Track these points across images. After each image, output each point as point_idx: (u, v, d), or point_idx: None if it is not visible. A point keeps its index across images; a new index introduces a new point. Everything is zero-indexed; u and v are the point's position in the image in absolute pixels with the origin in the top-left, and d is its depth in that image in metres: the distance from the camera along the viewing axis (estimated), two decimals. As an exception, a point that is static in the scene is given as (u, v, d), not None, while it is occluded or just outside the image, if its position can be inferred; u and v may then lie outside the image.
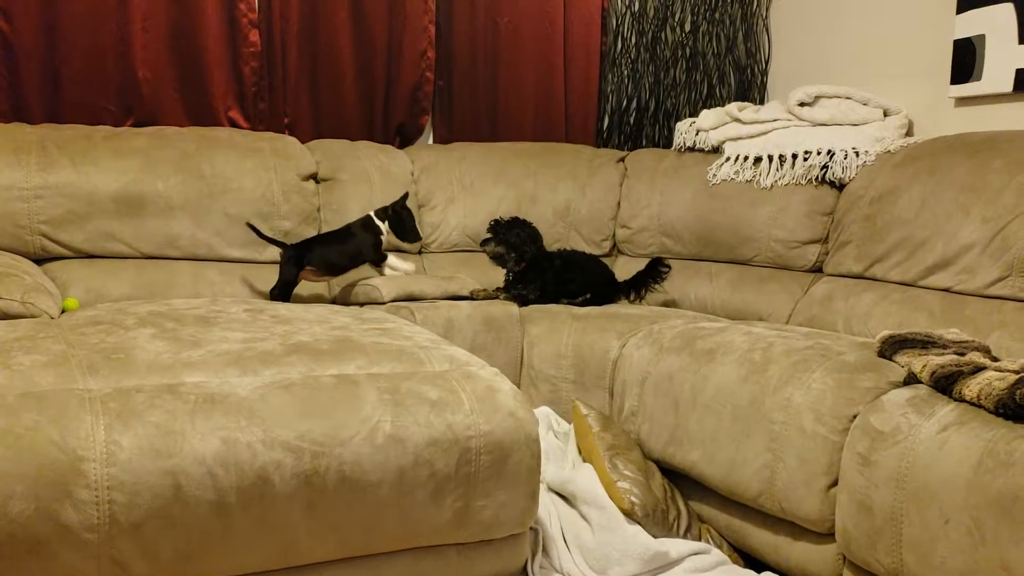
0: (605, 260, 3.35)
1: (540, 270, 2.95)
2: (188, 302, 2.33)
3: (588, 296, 2.96)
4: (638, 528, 2.02)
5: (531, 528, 1.98)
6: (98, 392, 1.54)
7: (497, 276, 3.02)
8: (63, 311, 2.38)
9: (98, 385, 1.57)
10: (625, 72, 3.73)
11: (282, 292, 2.71)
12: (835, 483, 1.84)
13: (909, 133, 3.01)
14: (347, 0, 3.32)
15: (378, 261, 2.84)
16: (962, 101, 2.88)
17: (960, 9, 2.83)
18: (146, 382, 1.60)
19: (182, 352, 1.73)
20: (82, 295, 2.62)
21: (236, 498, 1.51)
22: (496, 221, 3.00)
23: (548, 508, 2.10)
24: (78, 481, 1.41)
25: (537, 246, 2.97)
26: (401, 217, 2.86)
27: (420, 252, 3.23)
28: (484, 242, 2.99)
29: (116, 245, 2.78)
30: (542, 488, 2.11)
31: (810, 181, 2.92)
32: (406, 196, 2.90)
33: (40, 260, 2.71)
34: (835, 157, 2.87)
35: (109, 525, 1.43)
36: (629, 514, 2.04)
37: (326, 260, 2.74)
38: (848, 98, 3.06)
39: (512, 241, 2.94)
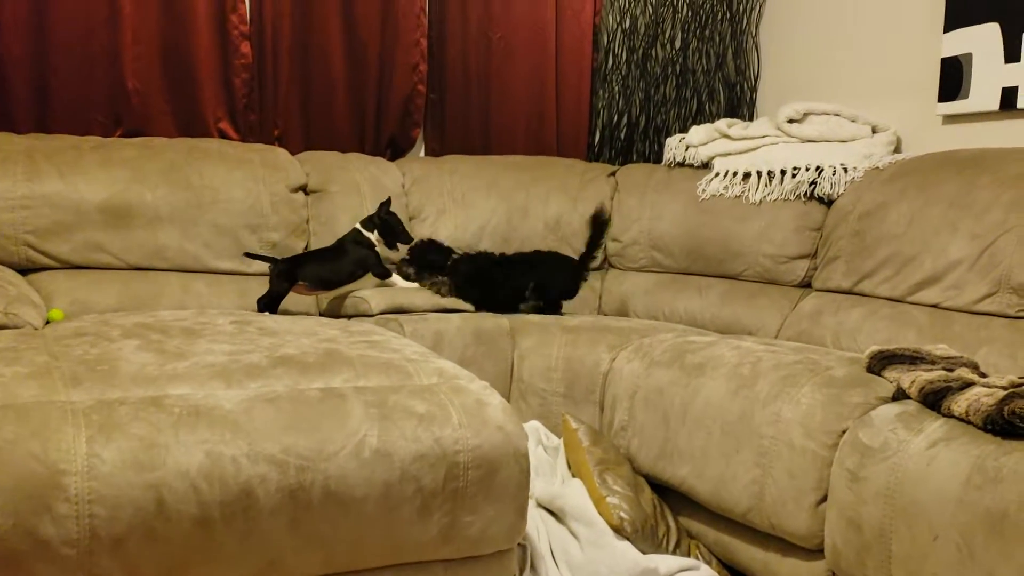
0: (595, 273, 3.36)
1: (472, 271, 2.96)
2: (174, 314, 2.31)
3: (534, 291, 2.98)
4: (627, 544, 2.01)
5: (519, 544, 1.97)
6: (81, 404, 1.52)
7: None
8: (48, 322, 2.36)
9: (81, 397, 1.55)
10: (616, 88, 3.74)
11: (269, 304, 2.70)
12: (824, 499, 1.83)
13: (897, 150, 3.02)
14: (339, 13, 3.32)
15: (383, 275, 2.83)
16: (950, 119, 2.90)
17: (947, 28, 2.85)
18: (130, 394, 1.58)
19: (167, 364, 1.71)
20: (67, 306, 2.60)
21: (219, 513, 1.49)
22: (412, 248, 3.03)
23: (536, 524, 2.09)
24: (57, 495, 1.39)
25: (445, 254, 3.01)
26: (389, 224, 2.85)
27: (410, 265, 3.22)
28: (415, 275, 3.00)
29: (103, 256, 2.76)
30: (531, 503, 2.10)
31: (799, 197, 2.93)
32: (389, 202, 2.88)
33: (25, 271, 2.68)
34: (823, 173, 2.88)
35: (89, 540, 1.41)
36: (618, 530, 2.03)
37: (318, 276, 2.73)
38: (837, 115, 3.07)
39: (425, 261, 2.99)
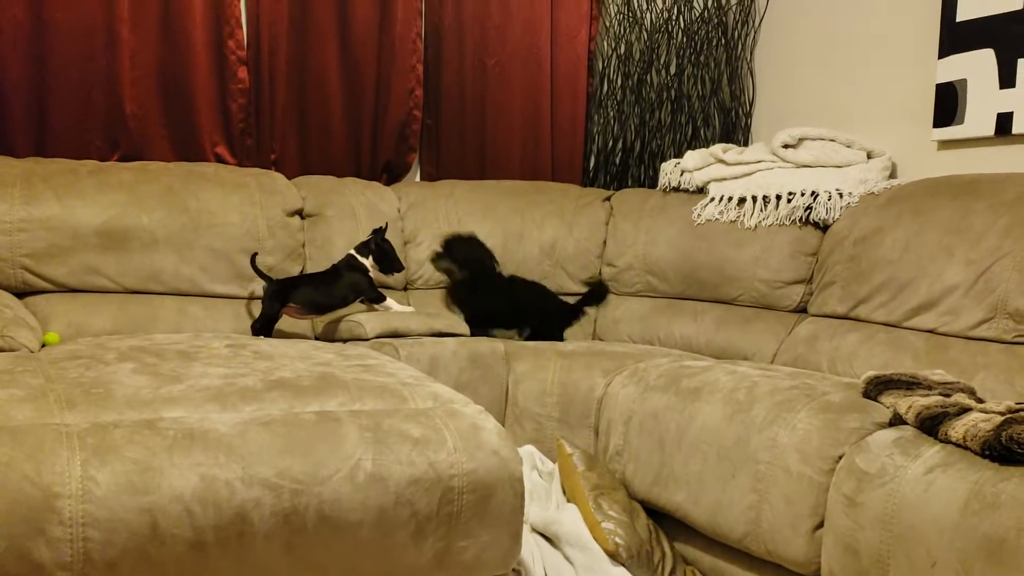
0: (591, 298, 3.37)
1: (480, 289, 3.09)
2: (169, 337, 2.30)
3: (528, 328, 3.09)
4: (622, 570, 2.00)
5: (514, 570, 1.95)
6: (76, 427, 1.51)
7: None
8: (44, 345, 2.35)
9: (76, 420, 1.54)
10: (611, 113, 3.76)
11: (263, 327, 2.70)
12: (821, 524, 1.83)
13: (893, 175, 3.04)
14: (335, 38, 3.34)
15: (377, 299, 2.83)
16: (945, 144, 2.92)
17: (942, 54, 2.87)
18: (125, 417, 1.57)
19: (162, 387, 1.71)
20: (64, 329, 2.60)
21: (214, 537, 1.48)
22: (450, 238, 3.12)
23: (531, 549, 2.07)
24: (52, 518, 1.38)
25: (479, 263, 3.10)
26: (384, 250, 2.86)
27: (405, 288, 3.23)
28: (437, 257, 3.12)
29: (99, 279, 2.76)
30: (525, 529, 2.09)
31: (794, 222, 2.94)
32: (384, 228, 2.89)
33: (22, 294, 2.68)
34: (819, 198, 2.89)
35: (83, 563, 1.40)
36: (613, 556, 2.01)
37: (310, 299, 2.74)
38: (832, 140, 3.09)
39: (459, 257, 3.08)
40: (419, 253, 3.24)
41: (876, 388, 1.98)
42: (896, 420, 1.85)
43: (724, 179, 3.17)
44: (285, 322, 2.77)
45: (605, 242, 3.37)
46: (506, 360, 2.67)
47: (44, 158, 2.90)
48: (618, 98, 3.75)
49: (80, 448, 1.46)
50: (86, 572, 1.40)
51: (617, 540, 2.02)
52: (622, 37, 3.73)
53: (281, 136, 3.32)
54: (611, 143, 3.77)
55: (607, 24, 3.74)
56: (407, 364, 2.28)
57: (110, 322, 2.68)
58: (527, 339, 3.05)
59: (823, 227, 2.90)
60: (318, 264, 2.99)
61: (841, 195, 2.87)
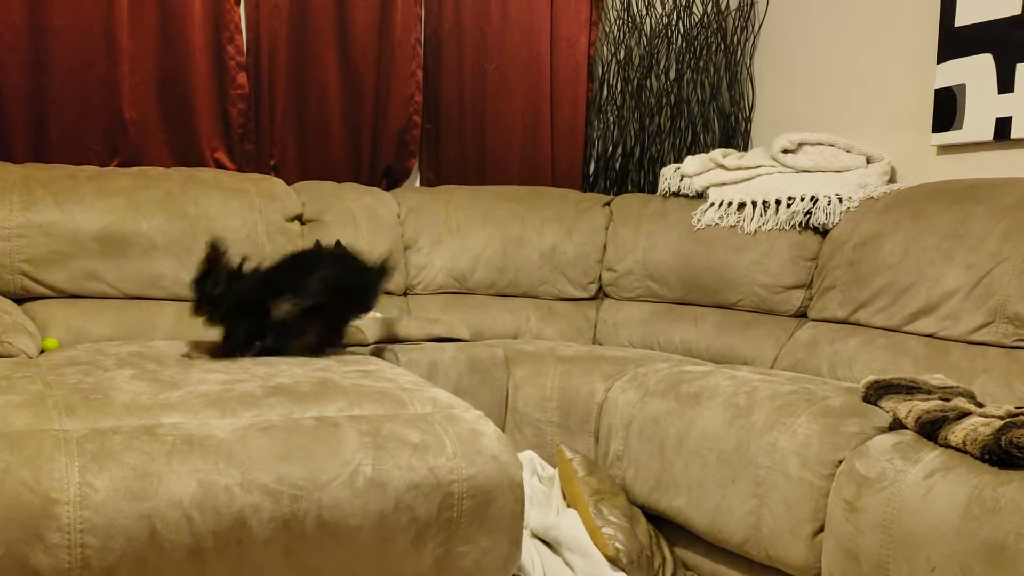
0: (591, 303, 3.36)
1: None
2: (169, 343, 2.30)
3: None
4: (623, 575, 2.00)
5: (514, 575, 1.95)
6: (74, 433, 1.51)
7: (484, 319, 3.00)
8: (42, 351, 2.35)
9: (74, 426, 1.54)
10: (611, 118, 3.76)
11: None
12: (821, 529, 1.82)
13: (892, 180, 3.04)
14: (335, 43, 3.34)
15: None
16: (944, 149, 2.92)
17: (940, 59, 2.87)
18: (123, 423, 1.57)
19: (161, 393, 1.71)
20: (63, 335, 2.59)
21: (213, 543, 1.48)
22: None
23: (531, 555, 2.07)
24: (50, 524, 1.38)
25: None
26: None
27: (405, 294, 3.22)
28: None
29: (98, 285, 2.75)
30: (525, 534, 2.08)
31: (794, 227, 2.94)
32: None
33: (20, 299, 2.68)
34: (818, 203, 2.89)
35: (81, 570, 1.39)
36: (614, 561, 2.01)
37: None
38: (831, 145, 3.09)
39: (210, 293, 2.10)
40: (419, 258, 3.24)
41: (876, 392, 1.98)
42: (896, 425, 1.84)
43: (724, 184, 3.17)
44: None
45: (605, 247, 3.37)
46: (506, 365, 2.67)
47: (43, 163, 2.90)
48: (618, 103, 3.75)
49: (78, 454, 1.46)
50: (84, 578, 1.40)
51: (617, 545, 2.02)
52: (622, 42, 3.73)
53: (281, 141, 3.32)
54: (611, 148, 3.77)
55: (607, 29, 3.74)
56: (406, 370, 2.28)
57: (109, 328, 2.68)
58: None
59: (823, 232, 2.90)
60: (318, 269, 2.98)
61: (841, 200, 2.87)
